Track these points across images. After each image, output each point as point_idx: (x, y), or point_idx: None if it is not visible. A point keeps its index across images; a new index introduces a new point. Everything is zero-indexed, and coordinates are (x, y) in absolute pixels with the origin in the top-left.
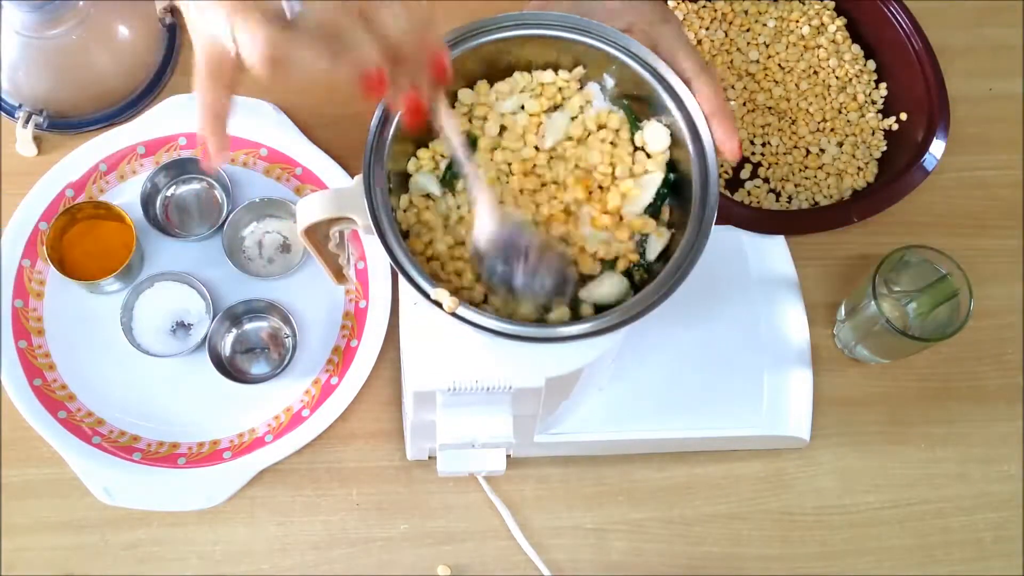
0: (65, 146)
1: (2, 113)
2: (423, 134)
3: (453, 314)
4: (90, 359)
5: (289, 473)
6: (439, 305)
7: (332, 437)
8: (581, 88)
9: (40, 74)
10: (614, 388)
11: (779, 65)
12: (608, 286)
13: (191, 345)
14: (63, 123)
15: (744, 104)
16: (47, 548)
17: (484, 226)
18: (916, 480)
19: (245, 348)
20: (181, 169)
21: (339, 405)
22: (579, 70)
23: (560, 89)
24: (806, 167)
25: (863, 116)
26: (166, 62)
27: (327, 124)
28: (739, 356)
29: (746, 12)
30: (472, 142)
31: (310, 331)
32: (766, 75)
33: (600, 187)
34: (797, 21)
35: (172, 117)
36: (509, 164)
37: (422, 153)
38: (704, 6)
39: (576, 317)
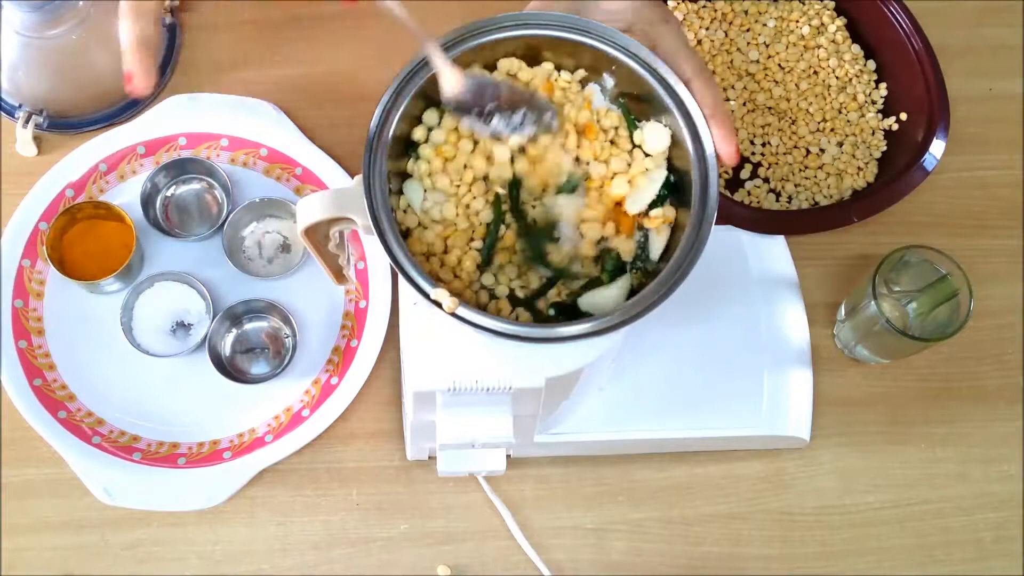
0: (65, 146)
1: (2, 113)
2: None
3: (453, 314)
4: (90, 359)
5: (289, 473)
6: (439, 305)
7: (332, 437)
8: (583, 88)
9: (40, 74)
10: (614, 388)
11: (779, 65)
12: (605, 299)
13: (191, 345)
14: (63, 123)
15: (744, 104)
16: (47, 548)
17: (449, 84)
18: (916, 480)
19: (245, 348)
20: (181, 169)
21: (339, 405)
22: (581, 72)
23: (563, 90)
24: (806, 167)
25: (863, 116)
26: (166, 62)
27: (327, 124)
28: (739, 356)
29: (746, 12)
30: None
31: (310, 331)
32: (766, 75)
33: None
34: (797, 21)
35: (172, 117)
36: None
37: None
38: (704, 6)
39: (576, 317)
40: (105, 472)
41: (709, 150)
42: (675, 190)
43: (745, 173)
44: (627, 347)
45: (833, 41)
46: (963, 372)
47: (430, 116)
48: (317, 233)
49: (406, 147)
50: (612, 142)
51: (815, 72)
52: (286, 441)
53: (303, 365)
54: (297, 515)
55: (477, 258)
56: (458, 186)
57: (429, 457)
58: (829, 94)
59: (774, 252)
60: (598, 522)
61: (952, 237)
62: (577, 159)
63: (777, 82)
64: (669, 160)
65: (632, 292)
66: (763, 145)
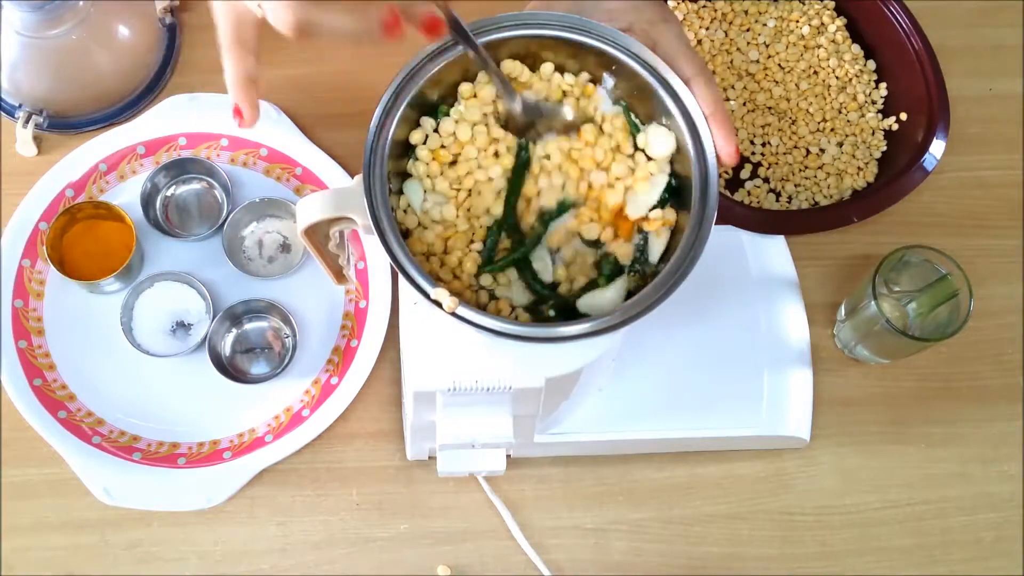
0: (65, 146)
1: (2, 113)
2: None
3: (453, 314)
4: (90, 359)
5: (289, 473)
6: (439, 305)
7: (332, 437)
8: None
9: (40, 74)
10: (614, 388)
11: (779, 65)
12: (602, 300)
13: (191, 345)
14: (63, 123)
15: (744, 104)
16: (47, 548)
17: (508, 96)
18: (916, 480)
19: (245, 348)
20: (181, 169)
21: (339, 405)
22: (585, 75)
23: (564, 92)
24: (806, 167)
25: (863, 116)
26: (166, 62)
27: (327, 124)
28: (739, 356)
29: (746, 12)
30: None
31: (310, 331)
32: (766, 75)
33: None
34: (797, 21)
35: (172, 117)
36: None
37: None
38: (704, 6)
39: (575, 317)
40: (105, 472)
41: (709, 150)
42: (675, 193)
43: (745, 173)
44: (627, 347)
45: (833, 41)
46: (963, 372)
47: (426, 122)
48: (317, 233)
49: (406, 147)
50: (616, 148)
51: (815, 72)
52: (286, 441)
53: (303, 365)
54: (297, 515)
55: (477, 259)
56: (458, 189)
57: (429, 457)
58: (829, 94)
59: (774, 252)
60: (598, 522)
61: (952, 237)
62: (581, 169)
63: (777, 82)
64: (671, 163)
65: (630, 294)
66: (763, 145)
